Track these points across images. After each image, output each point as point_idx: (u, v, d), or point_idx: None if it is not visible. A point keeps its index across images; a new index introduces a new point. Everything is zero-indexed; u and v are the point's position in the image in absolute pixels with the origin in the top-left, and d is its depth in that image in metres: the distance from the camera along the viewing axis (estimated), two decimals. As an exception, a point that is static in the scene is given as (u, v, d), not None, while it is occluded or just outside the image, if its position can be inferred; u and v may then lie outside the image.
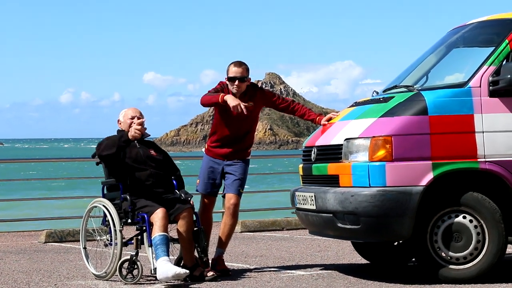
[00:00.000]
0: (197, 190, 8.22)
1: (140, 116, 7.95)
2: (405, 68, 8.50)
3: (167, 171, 7.95)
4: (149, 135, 8.04)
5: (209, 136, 8.28)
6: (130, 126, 7.89)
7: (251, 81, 8.16)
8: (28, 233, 12.93)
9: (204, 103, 8.01)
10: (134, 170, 7.75)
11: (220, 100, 7.82)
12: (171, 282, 7.39)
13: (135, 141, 7.87)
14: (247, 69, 8.05)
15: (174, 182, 7.96)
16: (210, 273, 7.61)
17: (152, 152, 7.95)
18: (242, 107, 7.75)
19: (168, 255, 7.36)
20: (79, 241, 8.33)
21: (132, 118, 7.92)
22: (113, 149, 7.67)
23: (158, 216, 7.45)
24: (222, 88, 8.03)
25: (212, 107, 8.11)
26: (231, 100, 7.77)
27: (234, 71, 8.00)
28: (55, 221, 16.60)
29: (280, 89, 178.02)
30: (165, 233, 7.41)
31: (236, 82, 7.97)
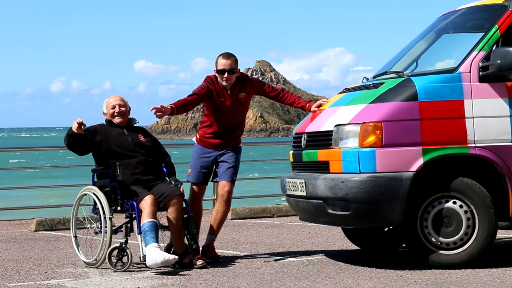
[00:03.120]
0: (188, 180, 8.19)
1: (122, 103, 7.90)
2: (395, 54, 8.48)
3: (157, 157, 7.93)
4: (138, 121, 8.03)
5: (201, 127, 8.23)
6: (112, 115, 7.88)
7: (242, 69, 8.15)
8: (19, 221, 12.88)
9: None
10: (123, 157, 7.72)
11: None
12: (160, 269, 7.38)
13: (123, 128, 7.85)
14: (235, 61, 8.02)
15: (164, 169, 7.94)
16: (199, 262, 7.60)
17: (141, 138, 7.92)
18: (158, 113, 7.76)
19: (157, 242, 7.35)
20: (69, 229, 8.31)
21: (113, 107, 7.91)
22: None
23: (146, 202, 7.43)
24: (208, 84, 8.00)
25: (202, 103, 8.09)
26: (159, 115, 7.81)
27: (223, 63, 7.97)
28: (46, 210, 16.60)
29: (271, 76, 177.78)
30: (154, 220, 7.39)
31: (226, 75, 7.95)
